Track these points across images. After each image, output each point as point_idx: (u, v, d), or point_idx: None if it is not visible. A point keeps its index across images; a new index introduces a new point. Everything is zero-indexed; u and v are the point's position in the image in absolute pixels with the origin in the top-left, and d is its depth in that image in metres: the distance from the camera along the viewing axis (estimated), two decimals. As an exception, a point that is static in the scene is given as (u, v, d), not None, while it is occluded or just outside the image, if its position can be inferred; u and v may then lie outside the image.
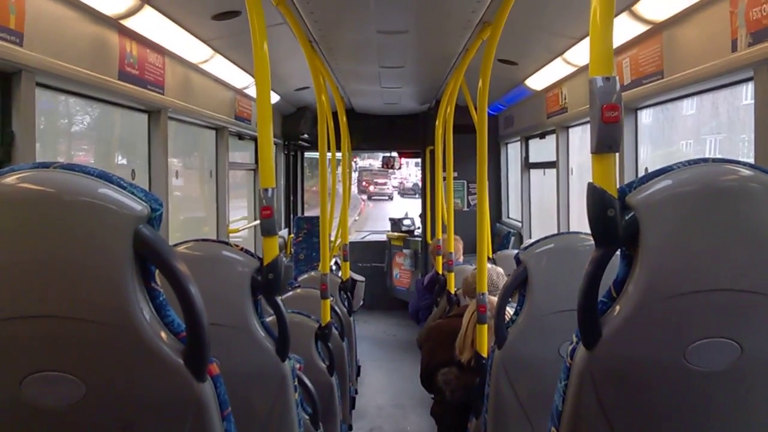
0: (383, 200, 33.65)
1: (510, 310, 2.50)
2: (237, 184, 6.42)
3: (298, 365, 2.28)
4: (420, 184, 9.48)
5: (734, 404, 1.34)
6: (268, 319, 2.17)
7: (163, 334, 1.26)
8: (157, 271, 1.26)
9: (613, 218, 1.25)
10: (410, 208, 10.41)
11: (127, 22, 3.15)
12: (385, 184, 35.88)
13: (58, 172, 1.22)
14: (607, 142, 1.26)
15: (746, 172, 1.27)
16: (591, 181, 1.28)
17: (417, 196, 9.20)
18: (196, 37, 3.82)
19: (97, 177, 1.22)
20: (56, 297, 1.20)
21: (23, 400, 1.24)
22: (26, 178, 1.20)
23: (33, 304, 1.20)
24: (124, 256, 1.20)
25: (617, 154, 1.29)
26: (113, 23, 3.10)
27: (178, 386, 1.27)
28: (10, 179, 1.20)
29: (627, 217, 1.26)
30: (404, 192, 34.46)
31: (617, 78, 1.26)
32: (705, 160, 1.30)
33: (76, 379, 1.24)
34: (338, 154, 7.51)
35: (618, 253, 1.30)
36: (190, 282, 1.25)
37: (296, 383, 2.21)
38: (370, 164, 36.09)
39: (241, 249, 2.16)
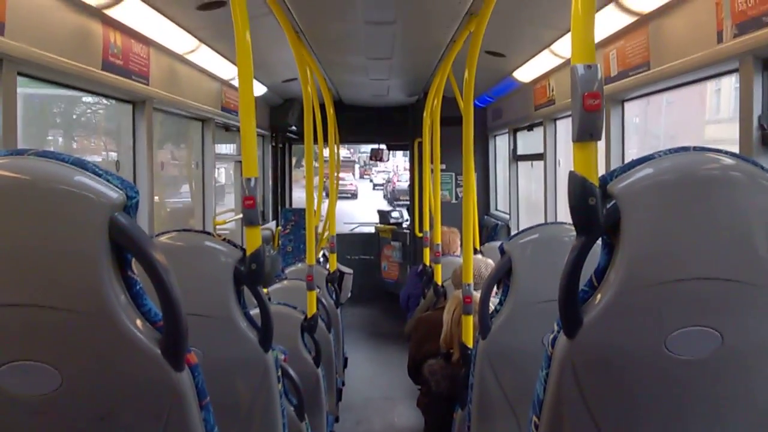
0: (346, 198, 27.69)
1: (495, 300, 2.50)
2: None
3: (282, 356, 2.27)
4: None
5: (715, 393, 1.34)
6: (254, 311, 2.16)
7: (139, 323, 1.24)
8: (134, 260, 1.25)
9: (594, 207, 1.24)
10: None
11: (111, 12, 3.11)
12: (347, 179, 31.24)
13: (33, 159, 1.20)
14: (588, 130, 1.25)
15: (728, 161, 1.27)
16: (572, 169, 1.28)
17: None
18: (181, 27, 3.78)
19: (72, 164, 1.21)
20: (30, 285, 1.18)
21: None
22: (0, 166, 1.18)
23: (7, 292, 1.18)
24: (99, 244, 1.18)
25: (600, 143, 1.28)
26: (96, 13, 3.05)
27: (155, 375, 1.26)
28: None
29: (608, 206, 1.25)
30: (395, 195, 27.61)
31: (599, 66, 1.25)
32: (686, 149, 1.30)
33: (51, 368, 1.22)
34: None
35: (600, 241, 1.30)
36: (166, 270, 1.24)
37: (280, 374, 2.21)
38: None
39: (224, 239, 2.15)
